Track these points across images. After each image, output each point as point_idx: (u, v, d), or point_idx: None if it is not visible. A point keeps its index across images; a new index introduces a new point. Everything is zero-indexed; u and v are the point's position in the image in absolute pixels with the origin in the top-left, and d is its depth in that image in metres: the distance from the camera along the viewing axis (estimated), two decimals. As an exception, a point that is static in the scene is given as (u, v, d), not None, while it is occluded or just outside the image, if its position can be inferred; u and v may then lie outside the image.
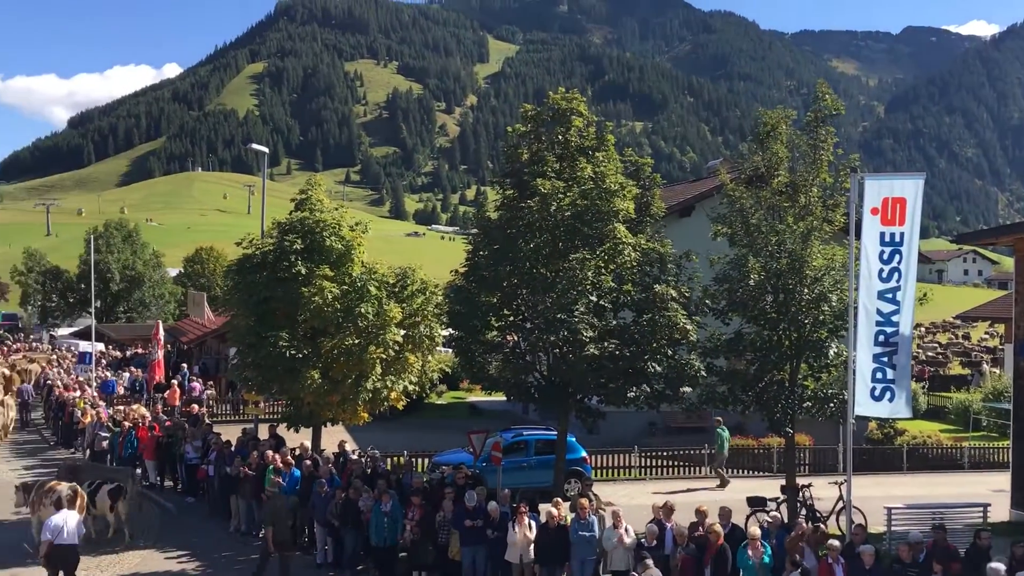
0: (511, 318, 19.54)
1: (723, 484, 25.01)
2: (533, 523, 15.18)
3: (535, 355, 19.69)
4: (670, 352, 18.82)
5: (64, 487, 16.48)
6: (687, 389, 19.37)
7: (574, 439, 22.57)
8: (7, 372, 37.72)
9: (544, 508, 16.02)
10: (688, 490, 23.86)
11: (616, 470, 25.81)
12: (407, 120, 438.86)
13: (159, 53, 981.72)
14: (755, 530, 14.07)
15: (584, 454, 23.27)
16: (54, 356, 47.62)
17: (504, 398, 28.50)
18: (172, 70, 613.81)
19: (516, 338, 19.94)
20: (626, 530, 14.48)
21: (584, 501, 15.29)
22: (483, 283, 19.47)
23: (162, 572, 17.00)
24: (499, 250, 18.97)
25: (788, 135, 18.87)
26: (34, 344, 61.04)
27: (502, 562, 15.30)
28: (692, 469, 26.43)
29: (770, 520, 15.15)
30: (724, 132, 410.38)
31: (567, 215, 18.39)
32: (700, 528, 14.15)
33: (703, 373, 18.94)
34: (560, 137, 19.74)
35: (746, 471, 26.61)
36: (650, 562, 13.19)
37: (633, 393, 19.06)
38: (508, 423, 27.08)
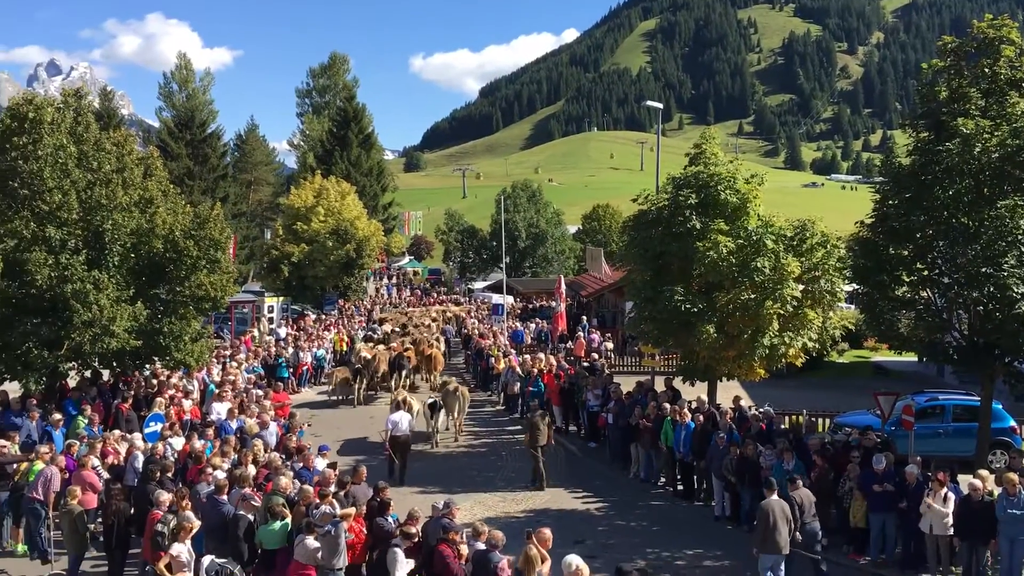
0: (925, 272, 17.87)
1: None
2: (952, 494, 13.93)
3: (954, 313, 17.90)
4: None
5: (400, 396, 21.70)
6: None
7: (1000, 406, 20.26)
8: (435, 316, 43.78)
9: (964, 479, 14.60)
10: None
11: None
12: (804, 65, 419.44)
13: (559, 20, 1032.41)
14: None
15: (1013, 423, 20.79)
16: (472, 307, 52.45)
17: (915, 359, 26.42)
18: (570, 35, 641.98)
19: (931, 294, 18.23)
20: (1068, 512, 12.73)
21: (1013, 475, 13.67)
22: (892, 235, 18.01)
23: (568, 510, 18.09)
24: (912, 199, 17.41)
25: None
26: (455, 297, 67.62)
27: (915, 532, 14.29)
28: None
29: None
30: None
31: (994, 157, 16.35)
32: None
33: None
34: (986, 70, 17.56)
35: None
36: (800, 482, 14.02)
37: (1077, 358, 16.61)
38: (919, 386, 25.05)
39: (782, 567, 13.15)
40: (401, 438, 19.91)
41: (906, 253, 17.86)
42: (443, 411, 23.58)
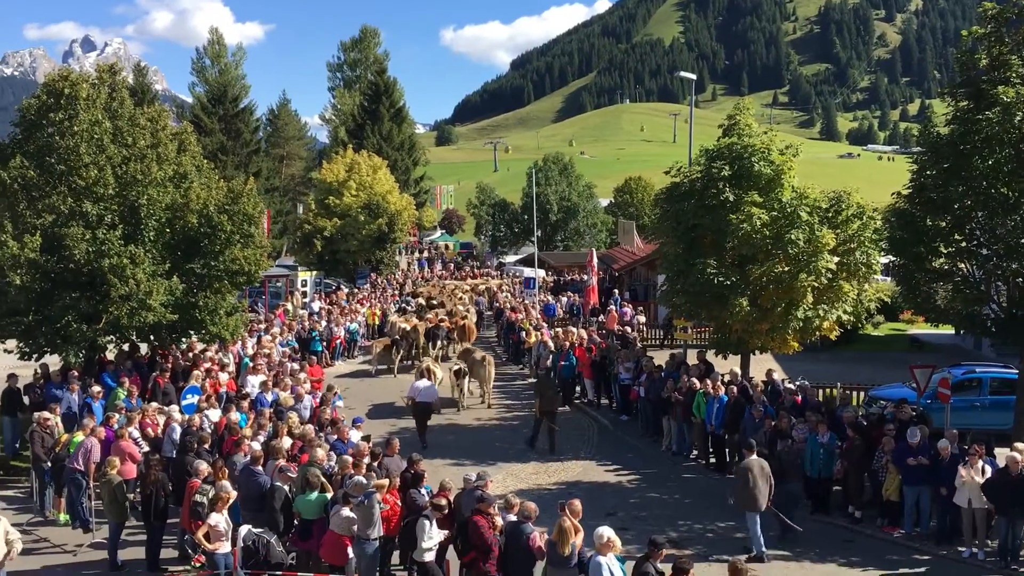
0: (963, 244, 17.58)
1: None
2: (987, 467, 13.80)
3: (992, 284, 17.63)
4: None
5: (426, 364, 23.44)
6: None
7: (1038, 379, 19.96)
8: (467, 289, 44.55)
9: (1001, 452, 14.46)
10: None
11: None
12: (841, 33, 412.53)
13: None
14: None
15: (1051, 396, 20.48)
16: (503, 282, 52.47)
17: (952, 331, 26.12)
18: (603, 5, 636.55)
19: (969, 266, 17.96)
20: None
21: (1051, 449, 13.52)
22: (930, 206, 17.73)
23: (600, 482, 18.16)
24: (950, 169, 17.10)
25: None
26: (486, 270, 67.63)
27: (949, 505, 14.19)
28: None
29: None
30: None
31: (1036, 125, 16.00)
32: None
33: None
34: (1029, 36, 17.14)
35: None
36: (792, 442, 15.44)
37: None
38: (956, 358, 24.77)
39: (757, 523, 13.85)
40: (423, 404, 20.86)
41: (944, 224, 17.58)
42: (468, 377, 24.72)
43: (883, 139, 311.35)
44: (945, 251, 17.75)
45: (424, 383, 21.29)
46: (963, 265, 17.84)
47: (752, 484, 13.76)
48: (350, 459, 13.13)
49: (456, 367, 24.76)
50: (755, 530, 13.85)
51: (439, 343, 30.38)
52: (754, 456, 14.10)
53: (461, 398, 24.50)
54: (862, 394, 21.94)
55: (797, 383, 19.51)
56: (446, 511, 11.84)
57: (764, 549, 13.81)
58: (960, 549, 14.14)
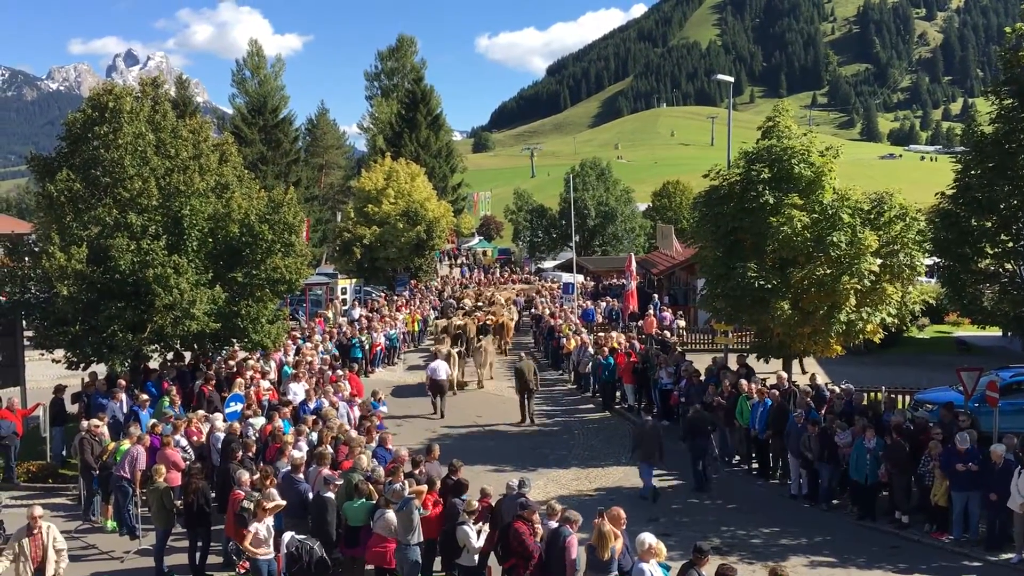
0: (1009, 244, 17.33)
1: None
2: (1038, 473, 13.50)
3: (1040, 285, 17.31)
4: None
5: (443, 349, 26.13)
6: None
7: (1090, 382, 19.48)
8: (508, 290, 45.55)
9: (1052, 458, 14.13)
10: None
11: None
12: (880, 33, 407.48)
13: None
14: None
15: (1102, 399, 19.99)
16: (541, 287, 52.43)
17: (999, 333, 25.65)
18: (639, 9, 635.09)
19: (1015, 266, 17.65)
20: None
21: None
22: (975, 206, 17.49)
23: (640, 487, 18.00)
24: (995, 168, 16.87)
25: None
26: (526, 276, 67.59)
27: (1000, 510, 13.89)
28: None
29: None
30: None
31: (1084, 122, 15.71)
32: None
33: None
34: (1074, 31, 16.86)
35: None
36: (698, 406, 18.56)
37: None
38: (1004, 361, 24.26)
39: (650, 471, 17.04)
40: (440, 382, 24.19)
41: (989, 224, 17.32)
42: (464, 359, 28.80)
43: (925, 139, 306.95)
44: (991, 251, 17.48)
45: (439, 363, 24.56)
46: (1010, 266, 17.57)
47: (645, 442, 16.92)
48: (381, 471, 13.22)
49: (459, 350, 28.75)
50: (646, 475, 17.08)
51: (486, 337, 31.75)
52: (650, 418, 17.81)
53: (462, 376, 28.32)
54: (907, 398, 21.58)
55: (842, 387, 19.25)
56: (478, 510, 11.92)
57: (650, 489, 16.93)
58: (1009, 556, 13.85)
